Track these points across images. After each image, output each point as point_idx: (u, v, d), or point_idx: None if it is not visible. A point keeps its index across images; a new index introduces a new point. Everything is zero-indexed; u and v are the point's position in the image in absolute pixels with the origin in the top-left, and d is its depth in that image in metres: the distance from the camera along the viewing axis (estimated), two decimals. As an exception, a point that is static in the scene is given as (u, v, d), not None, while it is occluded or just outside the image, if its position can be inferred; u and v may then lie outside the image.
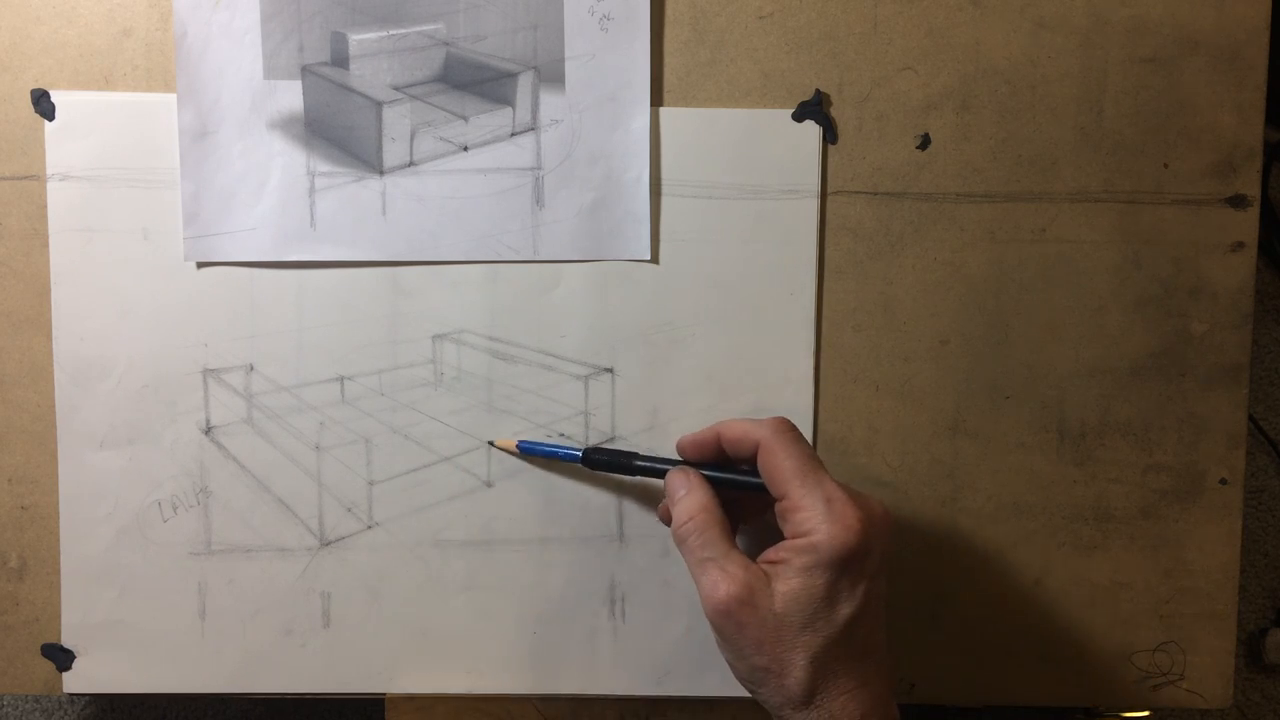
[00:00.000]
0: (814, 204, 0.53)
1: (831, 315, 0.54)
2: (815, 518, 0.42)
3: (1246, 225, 0.54)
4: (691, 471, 0.48)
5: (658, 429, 0.54)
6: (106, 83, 0.53)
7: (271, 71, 0.52)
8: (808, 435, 0.54)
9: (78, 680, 0.54)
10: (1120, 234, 0.54)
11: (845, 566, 0.42)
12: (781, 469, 0.44)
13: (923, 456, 0.54)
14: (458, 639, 0.54)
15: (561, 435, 0.54)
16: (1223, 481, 0.55)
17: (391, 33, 0.52)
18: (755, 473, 0.46)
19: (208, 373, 0.54)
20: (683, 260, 0.53)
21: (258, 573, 0.54)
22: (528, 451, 0.53)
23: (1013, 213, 0.54)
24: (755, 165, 0.53)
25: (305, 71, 0.52)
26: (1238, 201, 0.54)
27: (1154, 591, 0.55)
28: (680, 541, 0.46)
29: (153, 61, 0.53)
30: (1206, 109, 0.53)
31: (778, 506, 0.44)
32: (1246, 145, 0.53)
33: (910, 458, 0.54)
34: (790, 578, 0.42)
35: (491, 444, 0.54)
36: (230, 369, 0.54)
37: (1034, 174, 0.54)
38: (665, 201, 0.53)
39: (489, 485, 0.54)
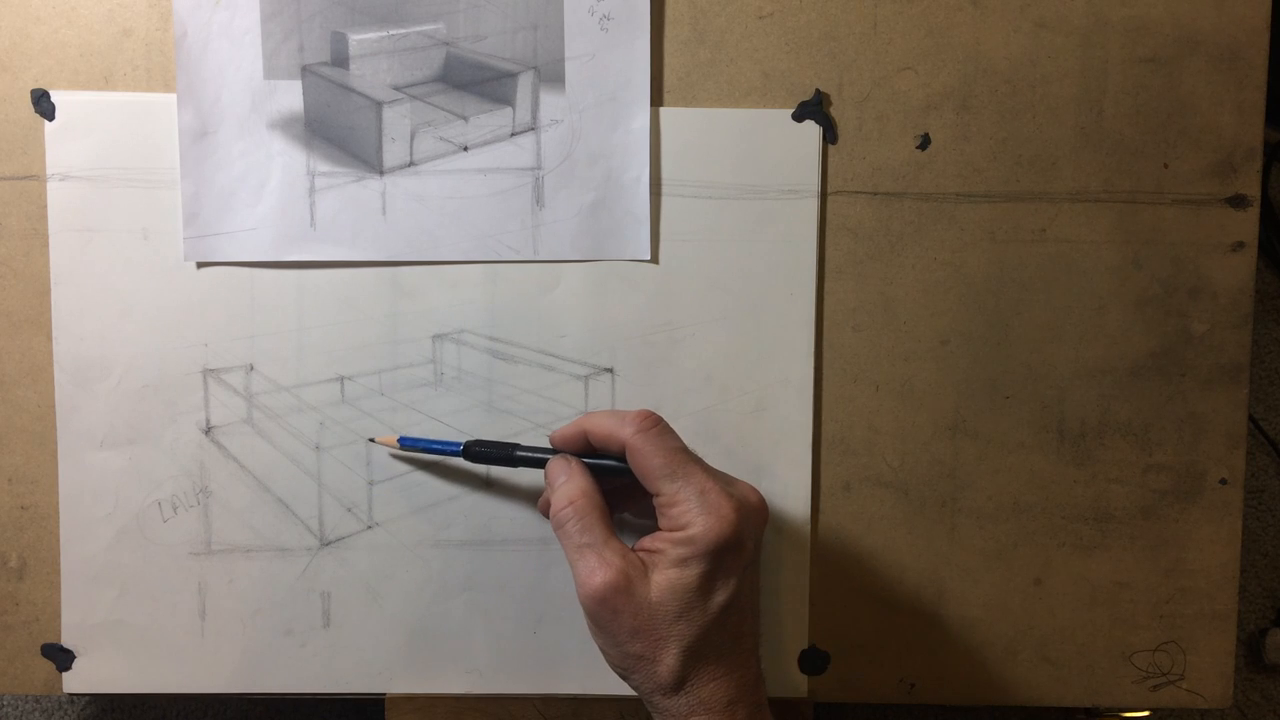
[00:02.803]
0: (814, 204, 0.53)
1: (831, 315, 0.54)
2: (690, 511, 0.43)
3: (1246, 225, 0.54)
4: (572, 459, 0.47)
5: (658, 429, 0.54)
6: (106, 83, 0.53)
7: (271, 71, 0.52)
8: (807, 435, 0.54)
9: (78, 680, 0.54)
10: (1120, 234, 0.54)
11: (720, 558, 0.42)
12: (650, 469, 0.44)
13: (923, 456, 0.54)
14: (458, 639, 0.54)
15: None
16: (1223, 481, 0.55)
17: (391, 33, 0.52)
18: None
19: (208, 373, 0.54)
20: (683, 260, 0.53)
21: (258, 573, 0.54)
22: (408, 448, 0.52)
23: (1013, 213, 0.54)
24: (755, 165, 0.53)
25: (305, 71, 0.52)
26: (1238, 201, 0.54)
27: (1154, 591, 0.55)
28: (558, 527, 0.45)
29: (153, 61, 0.53)
30: (1206, 109, 0.53)
31: (654, 500, 0.45)
32: (1246, 145, 0.53)
33: (910, 458, 0.54)
34: (666, 568, 0.43)
35: (371, 440, 0.53)
36: (230, 369, 0.54)
37: (1034, 174, 0.54)
38: (665, 201, 0.53)
39: (489, 485, 0.54)
